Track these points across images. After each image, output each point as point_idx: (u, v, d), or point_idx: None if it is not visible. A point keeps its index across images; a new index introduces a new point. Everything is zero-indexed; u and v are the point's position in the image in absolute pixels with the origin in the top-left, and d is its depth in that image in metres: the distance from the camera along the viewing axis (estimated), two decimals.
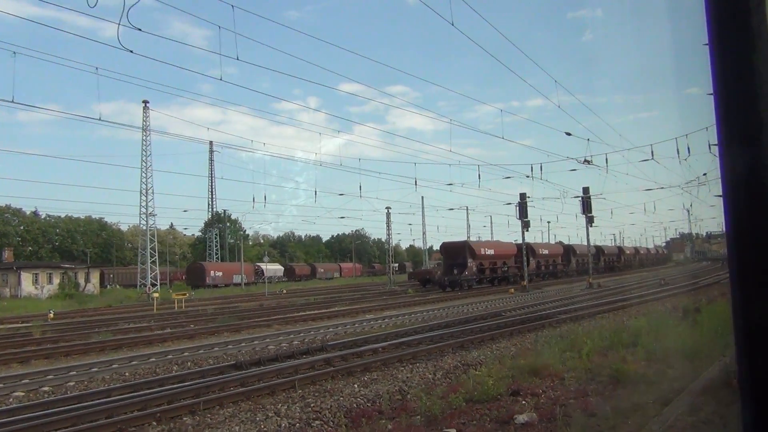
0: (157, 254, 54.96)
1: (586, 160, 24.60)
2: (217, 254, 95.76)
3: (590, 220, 42.75)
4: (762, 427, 1.11)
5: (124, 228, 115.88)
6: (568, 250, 67.25)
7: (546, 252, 60.90)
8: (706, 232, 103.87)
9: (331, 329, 21.92)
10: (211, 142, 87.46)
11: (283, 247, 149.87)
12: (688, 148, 34.46)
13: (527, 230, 44.47)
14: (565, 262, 65.24)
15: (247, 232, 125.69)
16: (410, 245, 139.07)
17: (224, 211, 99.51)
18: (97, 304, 46.54)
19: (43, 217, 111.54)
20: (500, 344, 16.41)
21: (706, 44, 1.19)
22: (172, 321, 27.45)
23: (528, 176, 37.13)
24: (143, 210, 53.27)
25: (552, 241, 78.59)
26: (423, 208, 74.26)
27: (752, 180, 1.11)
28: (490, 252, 50.58)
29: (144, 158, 53.11)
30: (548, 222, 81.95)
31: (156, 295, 36.46)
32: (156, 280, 54.95)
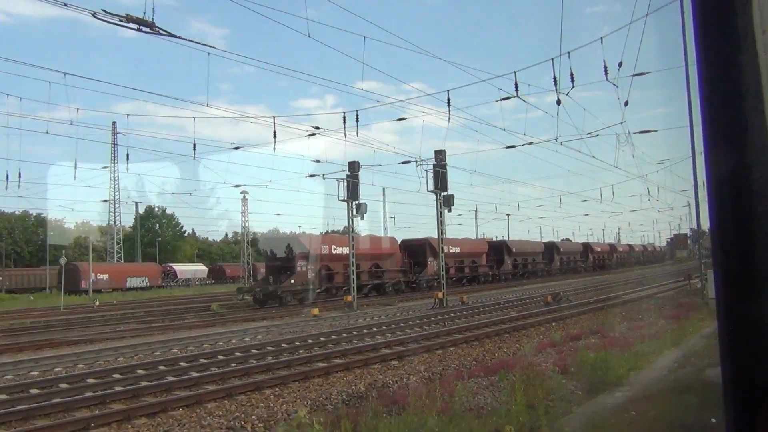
0: None
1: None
2: (118, 252, 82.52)
3: (446, 202, 27.54)
4: (745, 427, 1.11)
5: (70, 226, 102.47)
6: (501, 249, 51.94)
7: (456, 250, 45.65)
8: None
9: None
10: (114, 123, 73.68)
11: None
12: (556, 80, 19.50)
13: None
14: (492, 264, 49.94)
15: (183, 228, 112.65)
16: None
17: (137, 203, 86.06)
18: None
19: None
20: None
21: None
22: None
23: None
24: None
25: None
26: (384, 197, 63.40)
27: (737, 181, 1.11)
28: (344, 251, 35.67)
29: None
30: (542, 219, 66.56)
31: None
32: None
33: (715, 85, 1.15)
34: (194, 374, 12.07)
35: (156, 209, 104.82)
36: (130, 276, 72.21)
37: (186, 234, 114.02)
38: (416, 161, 26.17)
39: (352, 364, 12.33)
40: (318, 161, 27.31)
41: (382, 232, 72.44)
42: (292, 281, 32.60)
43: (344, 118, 24.73)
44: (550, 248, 59.58)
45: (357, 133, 24.67)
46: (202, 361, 13.93)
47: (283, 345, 16.31)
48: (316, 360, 13.17)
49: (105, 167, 61.60)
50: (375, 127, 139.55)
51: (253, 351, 15.36)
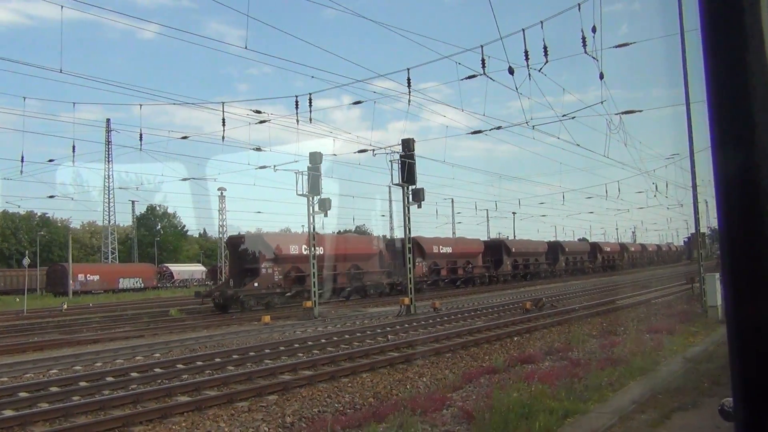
0: None
1: None
2: (113, 252, 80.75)
3: (415, 196, 24.45)
4: (754, 427, 1.10)
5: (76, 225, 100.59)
6: (499, 248, 48.71)
7: (448, 250, 42.59)
8: None
9: None
10: (108, 120, 71.82)
11: None
12: (527, 54, 16.53)
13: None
14: (489, 265, 46.73)
15: (186, 227, 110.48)
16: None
17: (133, 202, 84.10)
18: None
19: None
20: None
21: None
22: None
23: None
24: None
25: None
26: (390, 196, 60.80)
27: (745, 181, 1.10)
28: (319, 251, 32.81)
29: None
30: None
31: None
32: None
33: (722, 83, 1.13)
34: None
35: (158, 208, 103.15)
36: (122, 277, 70.19)
37: (188, 233, 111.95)
38: (372, 150, 23.24)
39: (207, 401, 9.42)
40: (259, 149, 24.40)
41: (388, 231, 69.70)
42: (256, 284, 29.86)
43: (297, 103, 22.03)
44: (555, 248, 56.15)
45: (310, 120, 21.96)
46: (53, 389, 11.19)
47: (178, 366, 13.54)
48: (178, 392, 10.31)
49: (51, 161, 59.16)
50: (390, 127, 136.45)
51: (134, 374, 12.59)
